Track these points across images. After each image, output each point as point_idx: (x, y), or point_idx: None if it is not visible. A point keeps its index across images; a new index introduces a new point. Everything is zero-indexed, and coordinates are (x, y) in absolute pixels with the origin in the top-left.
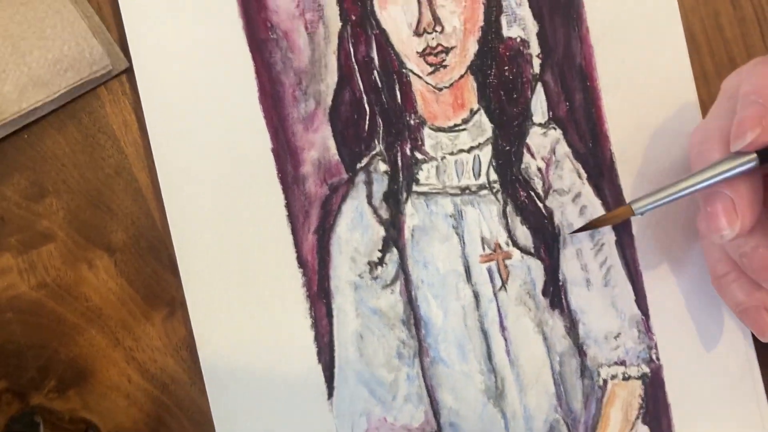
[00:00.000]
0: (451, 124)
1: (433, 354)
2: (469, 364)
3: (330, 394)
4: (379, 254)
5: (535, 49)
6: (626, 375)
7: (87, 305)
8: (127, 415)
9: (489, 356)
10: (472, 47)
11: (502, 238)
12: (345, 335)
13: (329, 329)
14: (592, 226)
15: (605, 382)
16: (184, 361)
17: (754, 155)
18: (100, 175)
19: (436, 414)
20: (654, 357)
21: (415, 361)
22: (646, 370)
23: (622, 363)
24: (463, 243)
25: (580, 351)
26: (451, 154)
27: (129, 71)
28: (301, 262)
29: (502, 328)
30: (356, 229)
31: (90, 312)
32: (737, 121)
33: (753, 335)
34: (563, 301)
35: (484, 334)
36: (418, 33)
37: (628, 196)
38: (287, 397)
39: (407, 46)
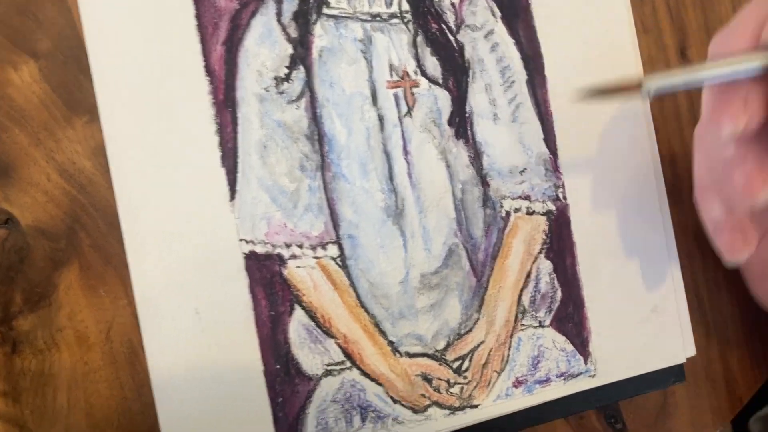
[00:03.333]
0: None
1: (335, 169)
2: (370, 182)
3: (232, 197)
4: (286, 70)
5: None
6: (530, 210)
7: (11, 105)
8: (45, 210)
9: (390, 176)
10: None
11: (411, 66)
12: (249, 143)
13: (234, 136)
14: (595, 95)
15: (508, 213)
16: (101, 165)
17: None
18: None
19: (336, 226)
20: (560, 196)
21: (317, 174)
22: (552, 207)
23: (527, 198)
24: (371, 67)
25: (483, 181)
26: None
27: None
28: (209, 70)
29: (405, 152)
30: (264, 44)
31: (14, 112)
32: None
33: (665, 184)
34: (468, 132)
35: (387, 155)
36: None
37: (542, 39)
38: (192, 194)
39: None
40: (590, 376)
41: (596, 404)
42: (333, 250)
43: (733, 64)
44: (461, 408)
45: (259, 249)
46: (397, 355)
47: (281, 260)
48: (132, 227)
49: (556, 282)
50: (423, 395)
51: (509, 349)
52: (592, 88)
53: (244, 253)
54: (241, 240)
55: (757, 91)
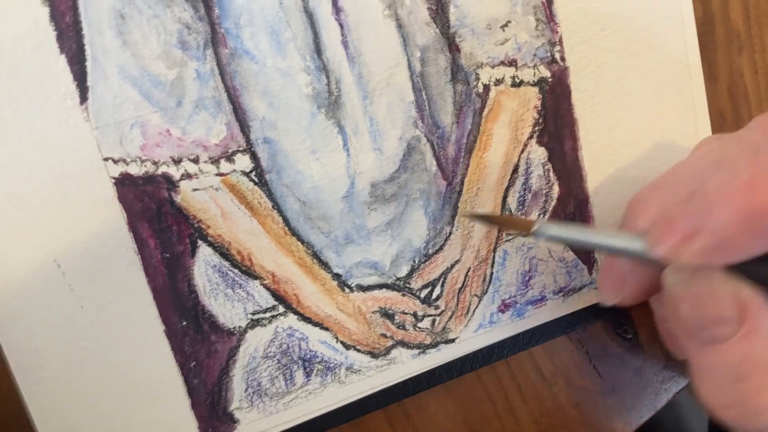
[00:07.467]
0: None
1: (233, 44)
2: (289, 60)
3: (83, 98)
4: None
5: None
6: (517, 80)
7: None
8: None
9: (318, 49)
10: None
11: None
12: (97, 13)
13: (72, 5)
14: (487, 221)
15: (486, 88)
16: None
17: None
18: None
19: (244, 127)
20: (558, 56)
21: (207, 52)
22: (546, 73)
23: (512, 63)
24: None
25: (451, 45)
26: None
27: None
28: None
29: (336, 9)
30: None
31: None
32: (667, 217)
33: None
34: None
35: (309, 17)
36: None
37: None
38: (23, 100)
39: None
40: (596, 287)
41: (602, 316)
42: (244, 162)
43: (617, 241)
44: (434, 345)
45: (135, 170)
46: (347, 290)
47: (170, 182)
48: None
49: (551, 174)
50: (384, 335)
51: (492, 266)
52: (487, 215)
53: (114, 178)
54: (106, 159)
55: (634, 279)
